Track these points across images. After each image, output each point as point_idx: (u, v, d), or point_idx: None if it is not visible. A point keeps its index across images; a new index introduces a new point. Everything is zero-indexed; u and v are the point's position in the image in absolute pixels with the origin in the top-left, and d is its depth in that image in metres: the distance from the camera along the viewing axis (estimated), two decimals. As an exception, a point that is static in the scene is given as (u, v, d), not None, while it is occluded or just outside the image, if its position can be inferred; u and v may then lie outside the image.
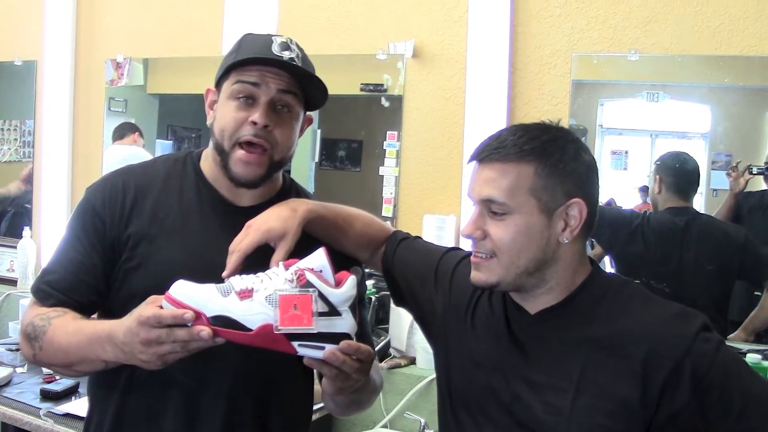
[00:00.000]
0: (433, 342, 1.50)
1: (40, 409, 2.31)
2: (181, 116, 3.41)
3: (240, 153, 1.39)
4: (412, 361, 2.41)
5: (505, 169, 1.22)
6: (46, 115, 3.47)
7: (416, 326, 1.82)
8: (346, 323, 1.19)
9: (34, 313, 1.40)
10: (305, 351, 1.18)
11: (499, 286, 1.26)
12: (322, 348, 1.17)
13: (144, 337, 1.16)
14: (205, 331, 1.14)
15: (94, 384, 1.50)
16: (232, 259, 1.31)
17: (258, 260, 1.28)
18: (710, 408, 1.14)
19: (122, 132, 3.41)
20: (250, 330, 1.15)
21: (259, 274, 1.20)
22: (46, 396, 2.41)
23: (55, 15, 3.42)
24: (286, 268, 1.19)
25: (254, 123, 1.37)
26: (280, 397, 1.47)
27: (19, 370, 2.68)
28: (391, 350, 2.46)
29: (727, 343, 1.23)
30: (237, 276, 1.21)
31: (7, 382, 2.55)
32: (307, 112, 1.51)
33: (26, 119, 3.60)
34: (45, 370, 2.54)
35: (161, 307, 1.16)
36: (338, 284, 1.19)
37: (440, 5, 2.61)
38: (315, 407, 1.64)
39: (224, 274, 1.28)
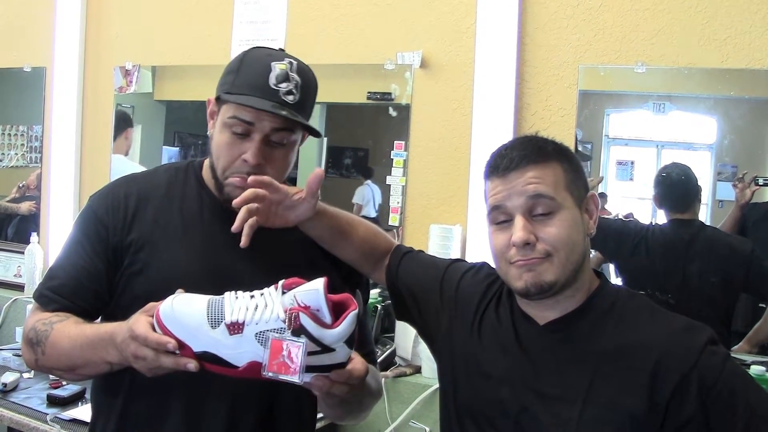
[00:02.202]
0: (437, 354, 1.50)
1: (47, 414, 2.32)
2: (188, 123, 3.43)
3: (234, 179, 1.40)
4: (418, 370, 2.42)
5: (543, 168, 1.26)
6: (55, 121, 3.49)
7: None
8: (339, 355, 1.15)
9: (36, 318, 1.41)
10: None
11: (555, 285, 1.24)
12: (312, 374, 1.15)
13: (133, 351, 1.17)
14: (192, 364, 1.14)
15: (97, 389, 1.51)
16: None
17: (276, 271, 1.25)
18: (716, 421, 1.15)
19: (115, 132, 3.39)
20: (237, 367, 1.14)
21: (255, 294, 1.17)
22: (53, 401, 2.42)
23: (65, 22, 3.44)
24: (285, 290, 1.15)
25: (246, 161, 1.38)
26: (283, 403, 1.47)
27: (26, 375, 2.68)
28: (397, 359, 2.47)
29: (731, 354, 1.24)
30: (232, 293, 1.17)
31: (14, 387, 2.55)
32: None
33: (33, 125, 3.61)
34: (52, 375, 2.54)
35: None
36: (339, 310, 1.14)
37: (449, 16, 2.62)
38: (320, 415, 1.65)
39: None
